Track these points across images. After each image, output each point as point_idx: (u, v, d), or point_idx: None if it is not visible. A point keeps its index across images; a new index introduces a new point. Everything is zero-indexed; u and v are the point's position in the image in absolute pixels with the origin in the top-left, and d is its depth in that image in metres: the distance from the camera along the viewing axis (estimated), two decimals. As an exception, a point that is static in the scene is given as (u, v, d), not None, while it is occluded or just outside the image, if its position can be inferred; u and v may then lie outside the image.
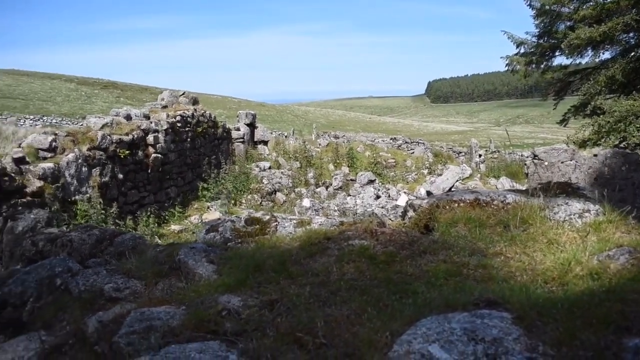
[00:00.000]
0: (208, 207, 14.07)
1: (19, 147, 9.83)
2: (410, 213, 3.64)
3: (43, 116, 43.40)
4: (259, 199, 15.58)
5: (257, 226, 3.33)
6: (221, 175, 15.27)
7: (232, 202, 14.76)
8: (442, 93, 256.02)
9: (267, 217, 3.43)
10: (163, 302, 2.23)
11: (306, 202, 15.44)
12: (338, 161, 20.84)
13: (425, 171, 21.95)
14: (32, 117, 42.32)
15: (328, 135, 30.87)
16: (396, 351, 1.62)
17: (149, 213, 11.20)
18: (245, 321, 1.95)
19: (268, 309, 2.03)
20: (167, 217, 12.36)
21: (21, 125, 35.52)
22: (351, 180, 19.52)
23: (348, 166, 20.67)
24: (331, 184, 18.88)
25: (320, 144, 23.34)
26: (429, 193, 15.59)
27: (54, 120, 41.61)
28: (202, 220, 12.64)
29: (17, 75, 72.43)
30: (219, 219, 3.75)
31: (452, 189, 16.96)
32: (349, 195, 17.96)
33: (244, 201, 15.24)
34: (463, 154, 27.49)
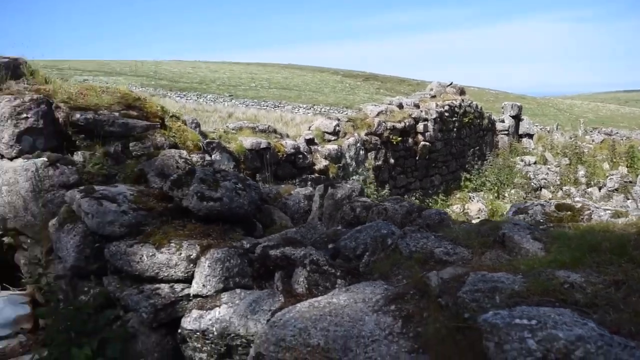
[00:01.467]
0: (470, 198, 14.05)
1: (309, 129, 11.11)
2: None
3: (313, 105, 47.82)
4: (524, 194, 14.98)
5: (569, 212, 3.27)
6: (485, 167, 15.06)
7: (495, 194, 14.48)
8: None
9: (579, 205, 3.35)
10: (495, 270, 2.36)
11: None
12: (615, 160, 18.79)
13: None
14: (304, 106, 47.02)
15: (598, 132, 28.01)
16: None
17: (414, 198, 11.67)
18: (592, 295, 1.97)
19: (614, 288, 2.02)
20: (430, 204, 12.72)
21: (296, 112, 40.00)
22: (629, 182, 17.44)
23: (627, 166, 18.49)
24: (605, 185, 17.15)
25: (593, 140, 21.30)
26: None
27: (322, 109, 45.53)
28: (463, 211, 12.72)
29: (292, 69, 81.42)
30: (526, 203, 3.76)
31: None
32: (628, 198, 16.10)
33: (506, 195, 14.81)
34: None
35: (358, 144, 10.98)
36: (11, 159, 4.44)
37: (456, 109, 14.38)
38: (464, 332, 2.01)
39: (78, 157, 4.55)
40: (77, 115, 4.70)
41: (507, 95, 73.47)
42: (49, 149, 4.52)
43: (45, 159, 4.31)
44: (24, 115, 4.44)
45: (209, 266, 3.20)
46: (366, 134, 11.23)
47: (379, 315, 2.31)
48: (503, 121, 18.54)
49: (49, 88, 4.95)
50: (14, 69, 5.02)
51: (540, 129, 32.32)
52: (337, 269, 2.89)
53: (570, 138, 19.86)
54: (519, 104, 19.67)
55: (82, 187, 3.97)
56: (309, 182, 9.39)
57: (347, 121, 11.41)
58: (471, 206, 13.03)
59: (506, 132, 18.31)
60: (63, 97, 4.87)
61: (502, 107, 19.68)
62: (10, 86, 4.81)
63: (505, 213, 10.96)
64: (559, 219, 3.26)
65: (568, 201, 3.45)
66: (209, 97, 45.69)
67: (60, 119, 4.71)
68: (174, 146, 4.97)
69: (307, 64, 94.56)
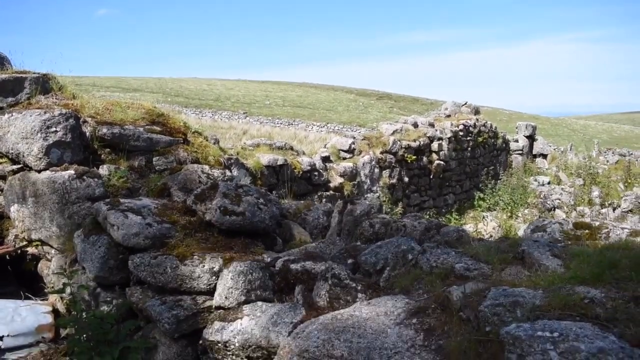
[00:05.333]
0: (483, 217, 14.02)
1: (325, 147, 11.21)
2: None
3: (327, 123, 47.95)
4: (537, 214, 14.92)
5: (587, 231, 3.31)
6: (498, 186, 15.04)
7: (509, 214, 14.44)
8: None
9: (597, 223, 3.40)
10: (515, 285, 2.41)
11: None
12: (629, 181, 18.68)
13: None
14: (317, 124, 47.18)
15: (612, 152, 27.87)
16: None
17: (428, 216, 11.69)
18: (613, 310, 2.01)
19: (634, 303, 2.06)
20: (445, 223, 12.71)
21: (309, 130, 40.24)
22: (645, 203, 17.33)
23: (642, 187, 18.38)
24: (619, 206, 17.04)
25: (608, 161, 21.21)
26: None
27: (335, 127, 45.65)
28: (476, 230, 12.70)
29: (306, 87, 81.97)
30: (543, 220, 3.81)
31: None
32: (643, 219, 15.97)
33: (520, 215, 14.77)
34: None
35: (373, 162, 11.06)
36: (39, 171, 4.57)
37: (471, 128, 14.44)
38: (485, 345, 2.07)
39: (103, 170, 4.67)
40: (104, 130, 4.83)
41: (520, 115, 73.30)
42: (75, 162, 4.64)
43: (72, 171, 4.43)
44: (53, 129, 4.57)
45: (231, 279, 3.28)
46: (381, 152, 11.32)
47: (401, 328, 2.37)
48: (517, 141, 18.55)
49: (76, 103, 5.10)
50: (43, 84, 5.17)
51: (554, 149, 32.23)
52: (358, 283, 2.95)
53: (584, 158, 19.79)
54: (533, 123, 19.69)
55: (108, 200, 4.08)
56: (324, 199, 9.47)
57: (362, 139, 11.52)
58: (485, 226, 13.01)
59: (520, 152, 18.30)
60: (90, 112, 5.02)
61: (516, 127, 19.70)
62: (40, 100, 4.96)
63: (518, 233, 10.95)
64: (576, 237, 3.30)
65: (586, 220, 3.50)
66: (224, 114, 46.13)
67: (87, 133, 4.85)
68: (196, 161, 5.09)
69: (321, 82, 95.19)
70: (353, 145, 11.04)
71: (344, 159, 10.89)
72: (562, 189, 17.27)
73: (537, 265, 2.66)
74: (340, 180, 10.18)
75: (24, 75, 5.13)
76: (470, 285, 2.51)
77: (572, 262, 2.59)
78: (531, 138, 19.36)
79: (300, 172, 9.05)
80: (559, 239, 3.23)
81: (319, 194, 9.56)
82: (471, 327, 2.21)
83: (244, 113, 48.22)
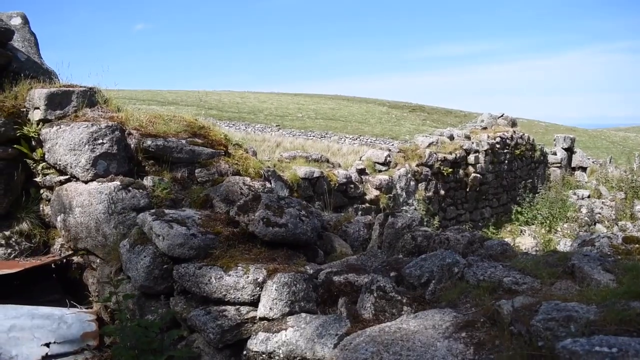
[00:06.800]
0: (521, 231, 13.80)
1: (360, 160, 11.22)
2: None
3: (360, 136, 47.94)
4: (577, 229, 14.59)
5: (637, 245, 3.24)
6: (536, 199, 14.77)
7: (547, 228, 14.16)
8: None
9: (648, 237, 3.32)
10: (566, 299, 2.36)
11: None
12: (674, 195, 18.12)
13: None
14: (350, 136, 47.21)
15: (655, 166, 27.06)
16: None
17: (465, 230, 11.55)
18: (671, 327, 1.97)
19: (692, 321, 2.01)
20: (489, 236, 12.52)
21: (342, 143, 40.30)
22: (690, 218, 16.77)
23: (687, 201, 17.79)
24: (664, 220, 16.54)
25: (650, 174, 20.61)
26: None
27: (368, 140, 45.58)
28: (514, 244, 12.48)
29: (339, 99, 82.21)
30: (595, 234, 3.73)
31: None
32: (689, 235, 15.46)
33: (559, 229, 14.47)
34: None
35: (409, 175, 11.01)
36: (86, 182, 4.70)
37: (507, 140, 14.25)
38: (538, 360, 2.03)
39: (147, 181, 4.77)
40: (148, 142, 4.95)
41: (557, 127, 71.98)
42: (121, 173, 4.76)
43: (118, 182, 4.54)
44: (100, 141, 4.70)
45: (275, 290, 3.30)
46: (417, 165, 11.26)
47: (450, 341, 2.35)
48: (555, 153, 18.22)
49: (121, 116, 5.24)
50: (90, 97, 5.32)
51: (593, 161, 31.51)
52: (403, 296, 2.94)
53: (625, 171, 19.28)
54: (571, 136, 19.32)
55: (153, 210, 4.17)
56: (360, 212, 9.46)
57: (397, 152, 11.49)
58: (522, 240, 12.79)
59: (558, 165, 17.96)
60: (134, 125, 5.15)
61: (554, 140, 19.35)
62: (86, 113, 5.11)
63: (557, 247, 10.70)
64: (627, 251, 3.22)
65: (636, 234, 3.41)
66: (257, 126, 46.59)
67: (132, 145, 4.97)
68: (237, 173, 5.15)
69: (353, 94, 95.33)
70: (389, 158, 11.01)
71: (380, 171, 10.87)
72: (602, 202, 16.85)
73: (588, 279, 2.60)
74: (376, 192, 10.16)
75: (71, 89, 5.30)
76: (520, 299, 2.47)
77: (624, 276, 2.53)
78: (569, 150, 18.98)
79: (336, 185, 9.07)
80: (609, 253, 3.16)
81: (354, 206, 9.55)
82: (523, 342, 2.18)
83: (276, 126, 48.61)
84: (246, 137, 28.18)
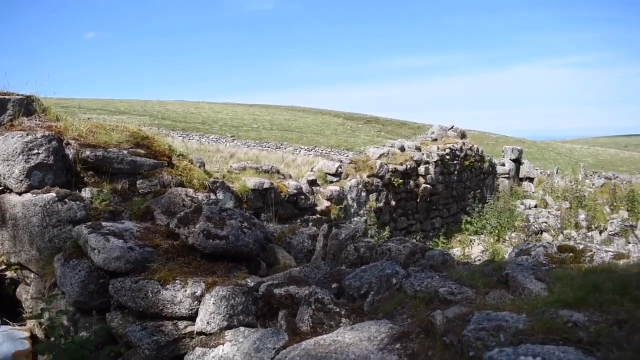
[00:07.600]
0: (471, 241, 14.05)
1: (311, 170, 11.21)
2: None
3: (315, 147, 48.04)
4: (524, 238, 14.98)
5: (571, 254, 3.31)
6: (485, 209, 15.10)
7: (496, 237, 14.48)
8: None
9: (581, 246, 3.40)
10: (499, 309, 2.39)
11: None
12: (615, 204, 18.85)
13: None
14: (305, 147, 47.26)
15: (598, 176, 28.24)
16: None
17: (415, 240, 11.68)
18: (596, 334, 2.00)
19: (617, 327, 2.04)
20: (431, 246, 12.69)
21: (297, 154, 40.29)
22: (631, 226, 17.45)
23: (627, 210, 18.53)
24: (606, 229, 17.15)
25: (594, 184, 21.42)
26: None
27: (323, 151, 45.71)
28: (464, 253, 12.69)
29: (294, 110, 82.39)
30: (531, 244, 3.80)
31: None
32: (629, 242, 16.07)
33: (507, 238, 14.82)
34: None
35: (360, 186, 11.06)
36: (20, 194, 4.50)
37: (457, 152, 14.53)
38: (469, 371, 2.04)
39: (86, 193, 4.61)
40: (87, 152, 4.79)
41: (507, 138, 74.10)
42: (57, 184, 4.59)
43: (54, 194, 4.37)
44: (35, 151, 4.52)
45: (213, 303, 3.22)
46: (368, 176, 11.33)
47: (384, 353, 2.33)
48: (504, 164, 18.70)
49: (60, 125, 5.06)
50: (27, 106, 5.13)
51: (541, 172, 32.51)
52: (342, 308, 2.91)
53: (571, 182, 19.98)
54: (519, 147, 19.88)
55: (89, 223, 4.02)
56: (310, 223, 9.43)
57: (349, 163, 11.54)
58: (472, 249, 13.02)
59: (507, 176, 18.44)
60: (74, 134, 4.98)
61: (503, 151, 19.88)
62: (23, 122, 4.92)
63: (505, 256, 10.94)
64: (561, 260, 3.29)
65: (570, 243, 3.50)
66: (211, 137, 46.08)
67: (70, 156, 4.80)
68: (181, 184, 5.04)
69: (309, 106, 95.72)
70: (340, 169, 11.04)
71: (331, 182, 10.88)
72: (548, 212, 17.39)
73: (520, 288, 2.64)
74: (327, 204, 10.16)
75: (7, 97, 5.09)
76: (454, 309, 2.48)
77: (555, 285, 2.57)
78: (517, 162, 19.52)
79: (287, 196, 9.02)
80: (544, 262, 3.22)
81: (305, 217, 9.52)
82: (455, 352, 2.18)
83: (231, 136, 48.23)
84: (200, 148, 27.80)
